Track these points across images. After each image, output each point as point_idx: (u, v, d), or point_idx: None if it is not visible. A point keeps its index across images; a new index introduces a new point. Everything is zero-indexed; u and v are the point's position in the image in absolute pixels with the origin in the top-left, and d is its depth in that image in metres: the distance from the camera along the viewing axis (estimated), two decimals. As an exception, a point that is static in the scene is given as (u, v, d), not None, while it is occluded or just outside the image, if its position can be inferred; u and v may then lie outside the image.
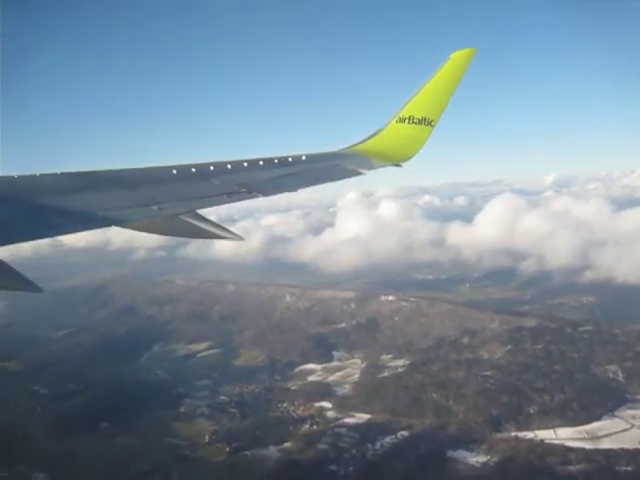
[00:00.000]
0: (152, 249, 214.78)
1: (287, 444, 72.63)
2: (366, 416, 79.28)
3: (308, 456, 69.57)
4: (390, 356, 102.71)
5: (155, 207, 7.05)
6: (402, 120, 11.45)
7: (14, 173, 6.99)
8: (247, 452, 71.11)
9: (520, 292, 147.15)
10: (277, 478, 65.47)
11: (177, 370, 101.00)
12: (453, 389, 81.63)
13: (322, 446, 71.60)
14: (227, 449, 71.62)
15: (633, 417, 72.99)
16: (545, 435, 70.48)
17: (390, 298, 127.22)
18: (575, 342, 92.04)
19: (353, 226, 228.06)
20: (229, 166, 8.95)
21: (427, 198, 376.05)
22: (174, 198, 7.57)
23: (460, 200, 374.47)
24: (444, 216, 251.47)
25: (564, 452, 65.77)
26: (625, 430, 70.48)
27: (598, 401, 75.98)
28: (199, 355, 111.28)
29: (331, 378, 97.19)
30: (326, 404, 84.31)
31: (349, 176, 10.30)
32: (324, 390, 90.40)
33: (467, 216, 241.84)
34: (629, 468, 61.74)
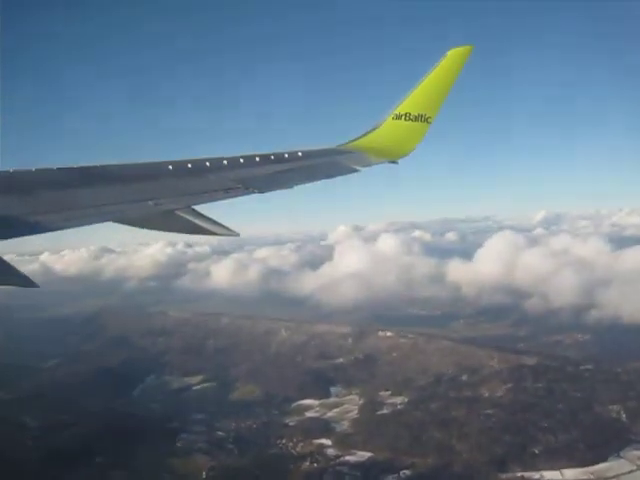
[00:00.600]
0: (144, 279, 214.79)
1: (288, 482, 70.85)
2: (367, 454, 77.43)
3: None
4: (388, 393, 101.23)
5: (151, 203, 7.12)
6: (399, 117, 11.46)
7: (10, 168, 7.01)
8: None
9: (515, 329, 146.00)
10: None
11: (172, 403, 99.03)
12: (455, 427, 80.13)
13: (324, 485, 69.87)
14: (226, 487, 69.66)
15: (639, 458, 71.85)
16: (551, 476, 69.26)
17: (388, 334, 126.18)
18: (577, 381, 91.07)
19: (351, 260, 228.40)
20: (225, 162, 8.91)
21: (418, 233, 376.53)
22: (170, 194, 7.62)
23: (451, 236, 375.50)
24: (437, 251, 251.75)
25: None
26: (631, 472, 69.34)
27: (603, 441, 74.60)
28: (194, 388, 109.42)
29: (329, 414, 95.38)
30: (326, 441, 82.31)
31: (345, 173, 10.27)
32: (323, 426, 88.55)
33: (459, 252, 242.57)
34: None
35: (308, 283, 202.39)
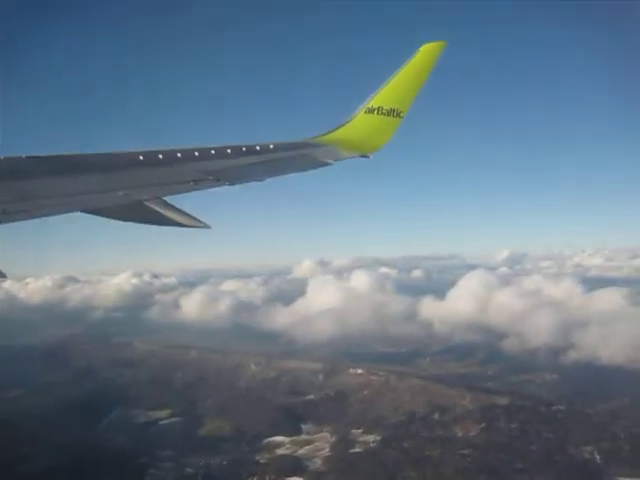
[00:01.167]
0: (109, 309, 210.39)
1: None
2: (342, 493, 76.20)
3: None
4: (360, 431, 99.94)
5: (120, 193, 7.04)
6: (371, 111, 11.48)
7: None
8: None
9: (482, 368, 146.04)
10: None
11: (139, 438, 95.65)
12: (430, 467, 79.21)
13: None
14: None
15: (613, 500, 72.28)
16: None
17: (359, 371, 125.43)
18: (549, 421, 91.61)
19: (324, 297, 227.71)
20: (196, 153, 8.83)
21: (384, 270, 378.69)
22: (140, 184, 7.59)
23: (417, 273, 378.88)
24: (409, 289, 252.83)
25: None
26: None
27: (577, 483, 75.05)
28: (161, 422, 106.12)
29: (301, 452, 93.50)
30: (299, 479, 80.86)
31: (317, 166, 10.24)
32: (295, 464, 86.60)
33: (428, 289, 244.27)
34: None
35: (280, 318, 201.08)
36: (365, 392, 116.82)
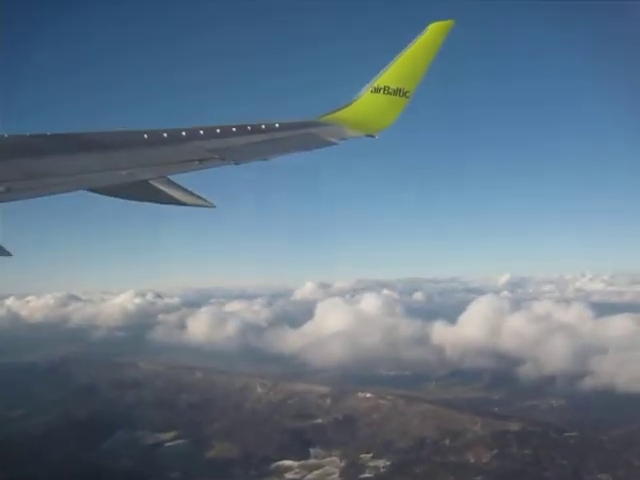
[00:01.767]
0: (112, 329, 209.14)
1: None
2: (354, 520, 74.62)
3: None
4: (370, 455, 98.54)
5: (124, 172, 7.01)
6: (377, 90, 11.38)
7: None
8: None
9: (488, 392, 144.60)
10: None
11: (144, 459, 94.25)
12: (445, 494, 78.00)
13: None
14: None
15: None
16: None
17: (367, 395, 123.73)
18: (562, 448, 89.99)
19: (334, 320, 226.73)
20: (201, 132, 8.81)
21: (386, 292, 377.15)
22: (145, 163, 7.54)
23: (418, 296, 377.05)
24: (419, 313, 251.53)
25: None
26: None
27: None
28: (167, 444, 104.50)
29: (309, 476, 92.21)
30: (309, 505, 79.31)
31: (322, 145, 10.23)
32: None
33: (429, 312, 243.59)
34: None
35: (288, 340, 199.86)
36: (374, 416, 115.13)
